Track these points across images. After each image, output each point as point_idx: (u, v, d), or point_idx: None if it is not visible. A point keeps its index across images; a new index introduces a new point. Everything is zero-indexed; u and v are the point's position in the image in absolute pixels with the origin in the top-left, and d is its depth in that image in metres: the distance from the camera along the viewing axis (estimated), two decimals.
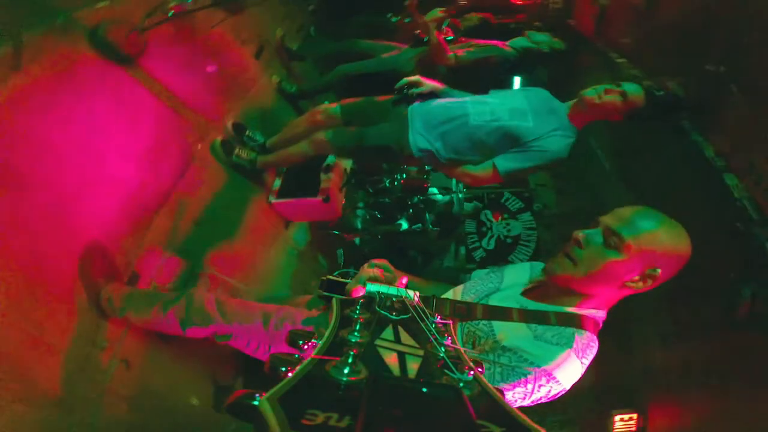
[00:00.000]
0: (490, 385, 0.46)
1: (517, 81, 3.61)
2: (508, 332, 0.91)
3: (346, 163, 2.72)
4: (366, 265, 0.97)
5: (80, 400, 1.46)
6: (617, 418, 2.20)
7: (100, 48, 1.75)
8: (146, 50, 1.93)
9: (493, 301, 1.02)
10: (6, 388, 1.26)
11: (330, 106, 2.14)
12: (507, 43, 2.40)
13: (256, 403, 0.34)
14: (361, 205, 3.13)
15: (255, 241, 2.51)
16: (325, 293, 0.95)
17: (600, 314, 0.94)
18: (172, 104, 2.08)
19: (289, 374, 0.40)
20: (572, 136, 1.63)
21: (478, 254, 3.82)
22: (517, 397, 0.85)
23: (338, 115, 2.07)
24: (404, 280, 0.86)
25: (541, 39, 2.40)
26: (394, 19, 2.73)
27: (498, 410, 0.42)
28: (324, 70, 2.85)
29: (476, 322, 0.97)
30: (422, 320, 0.64)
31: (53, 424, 1.37)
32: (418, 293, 0.83)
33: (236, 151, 2.25)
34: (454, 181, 3.26)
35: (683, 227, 0.89)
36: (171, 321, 1.34)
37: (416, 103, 1.85)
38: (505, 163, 1.71)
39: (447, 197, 3.46)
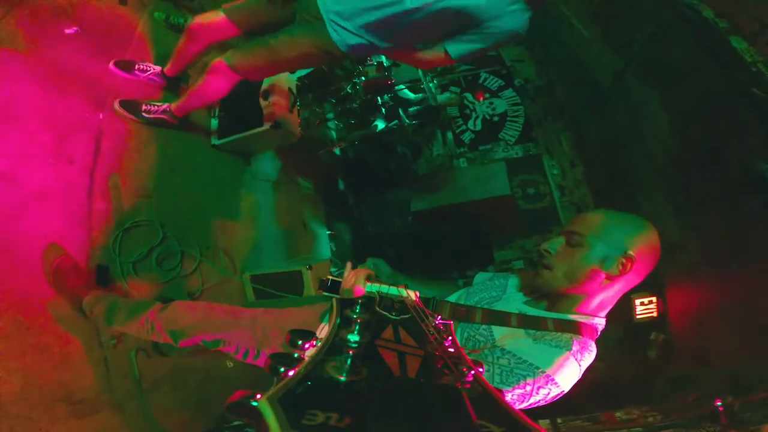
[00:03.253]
0: (490, 386, 0.46)
1: None
2: (507, 336, 0.92)
3: (289, 81, 2.41)
4: (360, 266, 0.99)
5: (126, 396, 1.51)
6: (637, 302, 2.11)
7: None
8: None
9: (496, 308, 1.02)
10: (55, 409, 1.31)
11: (208, 15, 1.68)
12: None
13: (255, 403, 0.34)
14: (330, 116, 2.97)
15: (219, 192, 2.30)
16: (326, 293, 0.96)
17: (599, 321, 0.95)
18: (50, 86, 1.80)
19: (289, 374, 0.40)
20: (530, 10, 1.39)
21: (467, 137, 3.80)
22: (515, 399, 0.85)
23: (227, 23, 1.64)
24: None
25: None
26: None
27: (498, 411, 0.41)
28: None
29: (476, 326, 0.98)
30: (422, 320, 0.64)
31: (116, 427, 1.43)
32: (418, 293, 0.83)
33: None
34: (420, 72, 3.01)
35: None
36: (161, 334, 1.35)
37: None
38: (457, 48, 1.49)
39: (419, 94, 3.19)
